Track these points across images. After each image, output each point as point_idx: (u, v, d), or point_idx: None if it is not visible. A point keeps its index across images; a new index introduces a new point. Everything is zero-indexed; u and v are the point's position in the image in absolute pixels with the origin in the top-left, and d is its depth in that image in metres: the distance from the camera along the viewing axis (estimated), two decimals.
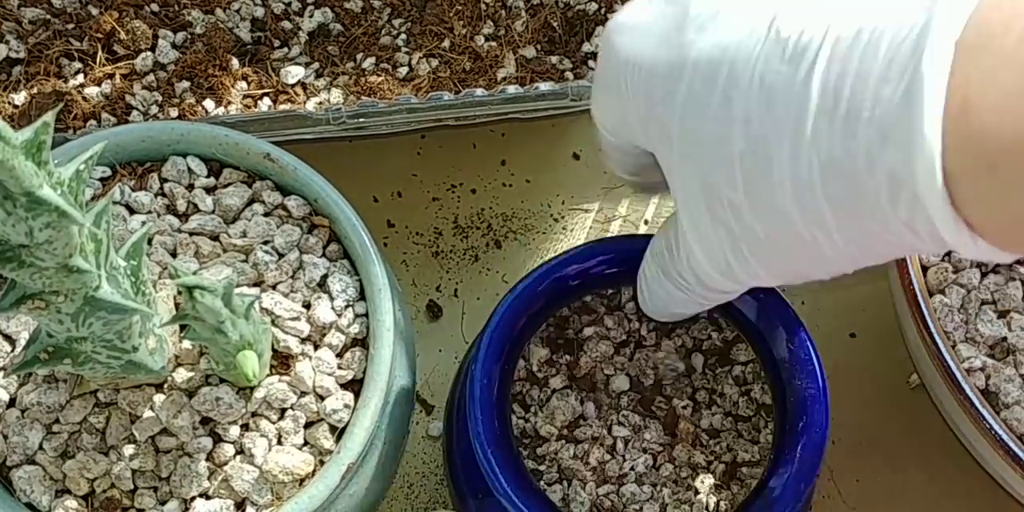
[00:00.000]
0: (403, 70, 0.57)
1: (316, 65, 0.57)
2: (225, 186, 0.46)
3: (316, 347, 0.43)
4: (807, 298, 0.60)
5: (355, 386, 0.43)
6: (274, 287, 0.44)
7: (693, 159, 0.33)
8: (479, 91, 0.54)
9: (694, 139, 0.32)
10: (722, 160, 0.32)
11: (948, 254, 0.48)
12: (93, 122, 0.55)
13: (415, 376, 0.47)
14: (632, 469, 0.45)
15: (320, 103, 0.56)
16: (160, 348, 0.40)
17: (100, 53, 0.56)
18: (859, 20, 0.28)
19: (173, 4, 0.57)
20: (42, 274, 0.32)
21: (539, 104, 0.53)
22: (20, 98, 0.55)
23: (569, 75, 0.58)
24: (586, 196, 0.61)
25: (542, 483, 0.44)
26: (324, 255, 0.45)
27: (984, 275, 0.48)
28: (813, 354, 0.42)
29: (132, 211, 0.45)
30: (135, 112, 0.55)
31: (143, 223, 0.44)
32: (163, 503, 0.41)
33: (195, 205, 0.45)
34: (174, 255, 0.44)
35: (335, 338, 0.43)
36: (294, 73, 0.56)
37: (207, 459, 0.41)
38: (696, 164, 0.33)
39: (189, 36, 0.57)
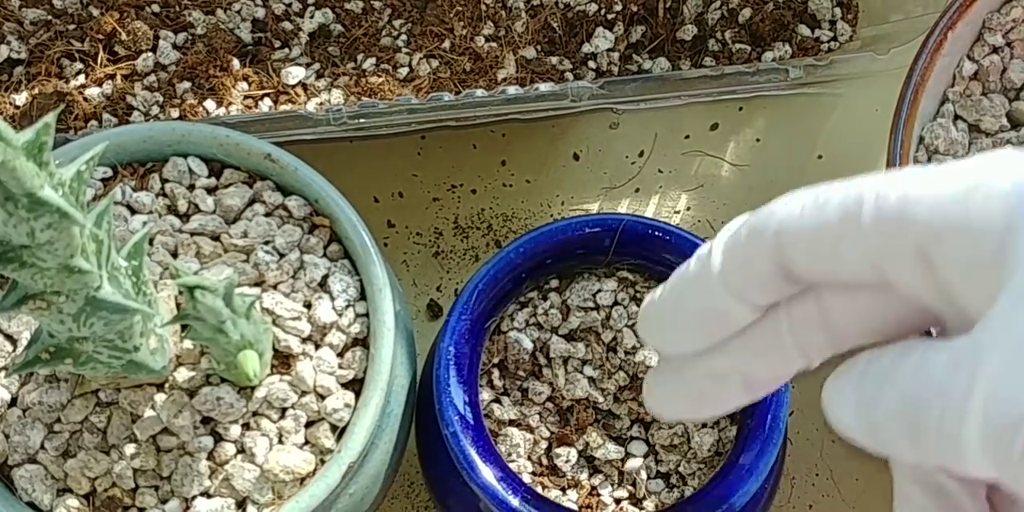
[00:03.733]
0: (403, 71, 0.57)
1: (317, 66, 0.57)
2: (226, 186, 0.46)
3: (317, 347, 0.43)
4: None
5: (356, 385, 0.43)
6: (275, 287, 0.44)
7: None
8: (479, 92, 0.54)
9: None
10: None
11: None
12: (94, 123, 0.55)
13: (416, 375, 0.47)
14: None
15: (321, 104, 0.56)
16: (161, 348, 0.40)
17: (101, 54, 0.56)
18: None
19: (174, 5, 0.58)
20: (43, 274, 0.32)
21: (539, 105, 0.53)
22: (21, 99, 0.55)
23: (569, 76, 0.58)
24: (586, 196, 0.61)
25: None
26: (325, 255, 0.45)
27: None
28: None
29: (133, 211, 0.45)
30: (136, 113, 0.55)
31: (144, 223, 0.44)
32: (164, 502, 0.41)
33: (196, 205, 0.45)
34: (175, 255, 0.44)
35: (336, 338, 0.43)
36: (295, 74, 0.57)
37: (208, 458, 0.41)
38: None
39: (190, 37, 0.57)
